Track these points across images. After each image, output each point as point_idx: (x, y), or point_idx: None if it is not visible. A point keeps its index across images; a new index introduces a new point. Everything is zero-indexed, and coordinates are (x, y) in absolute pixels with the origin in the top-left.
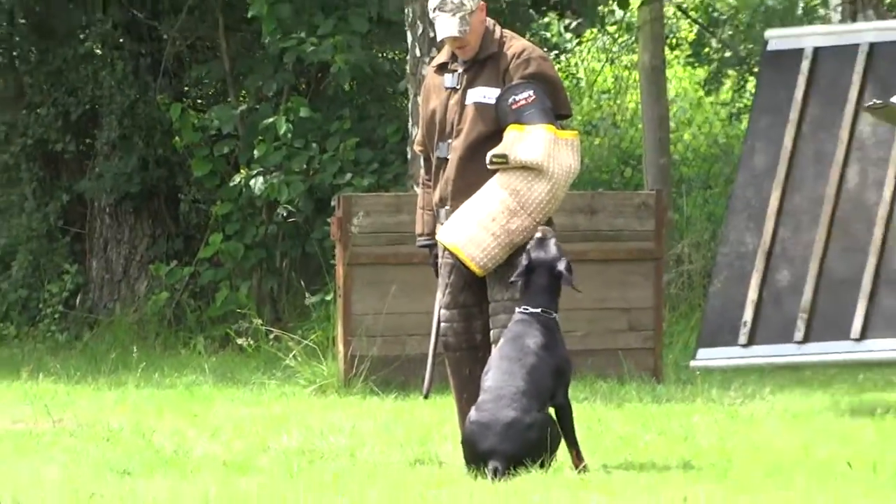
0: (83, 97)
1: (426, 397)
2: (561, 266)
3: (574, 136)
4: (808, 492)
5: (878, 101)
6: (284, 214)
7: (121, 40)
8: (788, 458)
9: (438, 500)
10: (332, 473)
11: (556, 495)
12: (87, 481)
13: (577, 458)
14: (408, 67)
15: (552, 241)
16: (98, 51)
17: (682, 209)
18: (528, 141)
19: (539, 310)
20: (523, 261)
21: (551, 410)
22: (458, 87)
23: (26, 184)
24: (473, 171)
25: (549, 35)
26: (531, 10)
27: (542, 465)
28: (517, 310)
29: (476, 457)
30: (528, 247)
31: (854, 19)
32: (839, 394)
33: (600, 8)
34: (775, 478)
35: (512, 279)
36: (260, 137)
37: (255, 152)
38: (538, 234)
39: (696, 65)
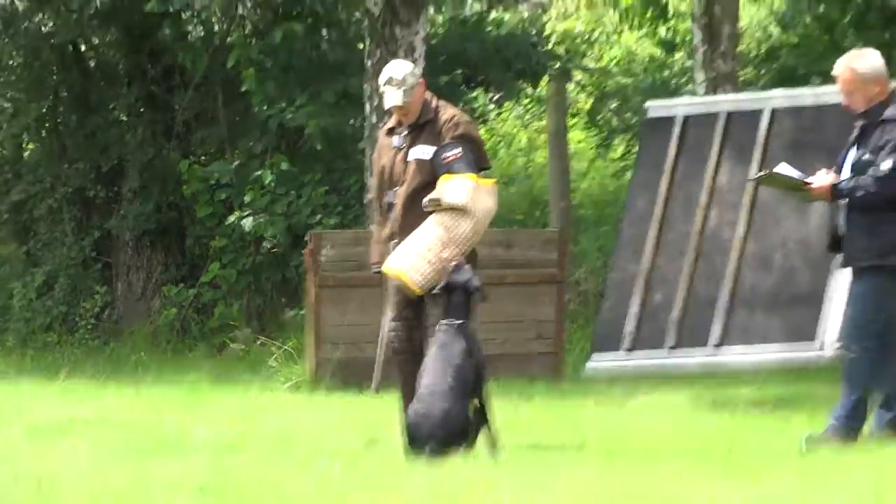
0: (112, 154)
1: (377, 392)
2: (472, 284)
3: (492, 184)
4: (677, 471)
5: (761, 173)
6: (269, 247)
7: (141, 110)
8: (662, 443)
9: (385, 479)
10: (303, 453)
11: (476, 471)
12: (106, 463)
13: (494, 440)
14: (365, 131)
15: (465, 267)
16: (124, 118)
17: (580, 243)
18: (456, 187)
19: (459, 322)
20: (441, 283)
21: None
22: (402, 146)
23: (66, 223)
24: (414, 212)
25: (476, 105)
26: (462, 87)
27: (467, 447)
28: (442, 322)
29: (416, 440)
30: (448, 272)
31: (715, 93)
32: (702, 391)
33: (516, 85)
34: (651, 457)
35: (433, 293)
36: (250, 186)
37: (246, 198)
38: (454, 264)
39: (592, 129)
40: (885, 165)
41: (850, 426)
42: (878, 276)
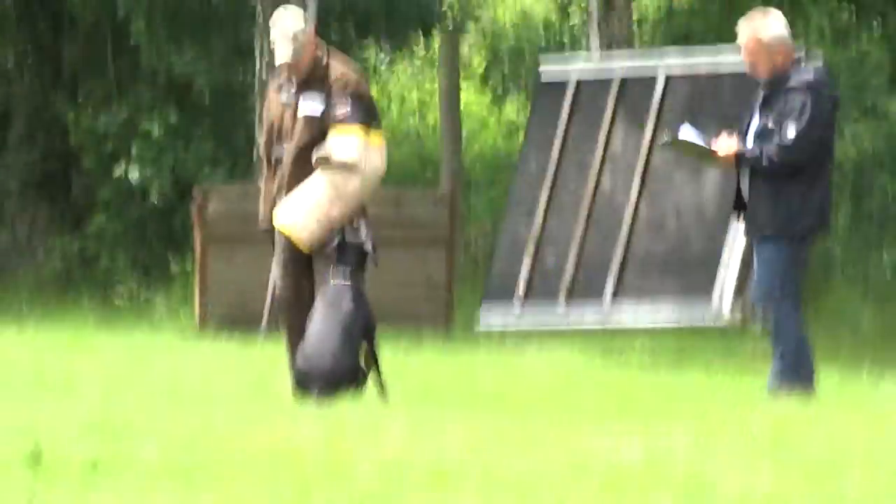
0: None
1: (264, 337)
2: (367, 246)
3: (382, 142)
4: (572, 421)
5: (667, 139)
6: (155, 200)
7: (29, 58)
8: (554, 395)
9: (273, 421)
10: (189, 401)
11: (364, 416)
12: None
13: (382, 391)
14: (255, 85)
15: (362, 226)
16: (11, 65)
17: (471, 204)
18: (345, 145)
19: (349, 280)
20: (336, 241)
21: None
22: (292, 102)
23: None
24: (303, 168)
25: (368, 61)
26: (354, 40)
27: (355, 392)
28: (332, 279)
29: (304, 384)
30: (343, 230)
31: (609, 55)
32: (594, 347)
33: (409, 41)
34: (543, 408)
35: (327, 251)
36: (138, 138)
37: (133, 150)
38: (348, 224)
39: (484, 90)
40: (790, 134)
41: (798, 375)
42: (781, 245)
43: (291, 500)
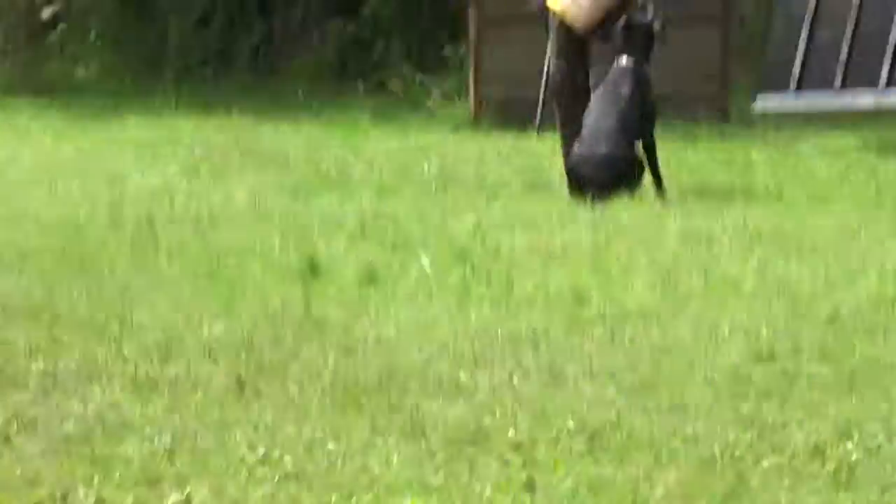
0: None
1: (539, 133)
2: (656, 26)
3: None
4: (842, 216)
5: None
6: None
7: None
8: (827, 188)
9: (548, 218)
10: (463, 196)
11: (641, 216)
12: (267, 200)
13: (659, 185)
14: None
15: (650, 6)
16: None
17: None
18: None
19: (634, 61)
20: (623, 20)
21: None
22: None
23: None
24: None
25: None
26: None
27: (631, 190)
28: (616, 61)
29: (578, 182)
30: (631, 10)
31: None
32: (868, 133)
33: None
34: (817, 204)
35: (615, 31)
36: None
37: None
38: (640, 2)
39: None
40: None
41: None
42: None
43: (566, 302)
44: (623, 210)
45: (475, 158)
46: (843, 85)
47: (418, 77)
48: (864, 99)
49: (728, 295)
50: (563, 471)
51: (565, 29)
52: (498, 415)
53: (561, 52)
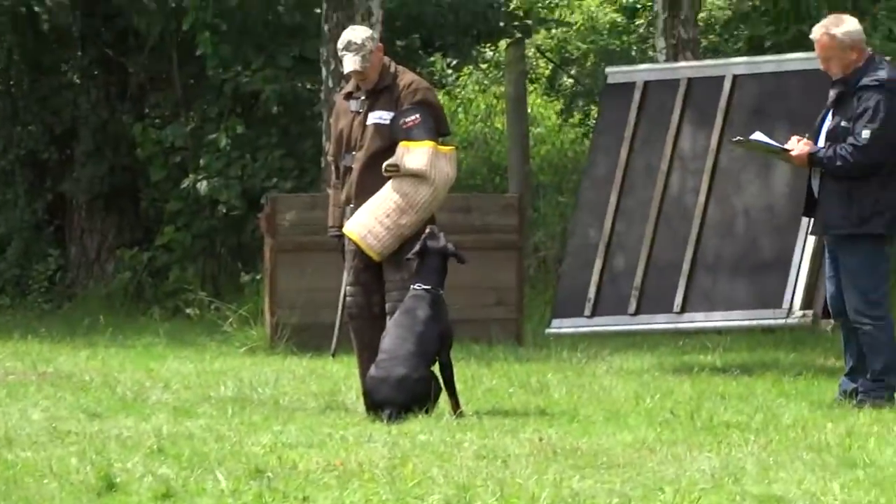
0: (65, 117)
1: (334, 356)
2: (450, 249)
3: (451, 150)
4: (638, 433)
5: (739, 138)
6: (224, 211)
7: (95, 72)
8: (623, 407)
9: (344, 438)
10: (259, 416)
11: (437, 435)
12: (64, 421)
13: (455, 405)
14: (322, 95)
15: (441, 235)
16: (77, 80)
17: (540, 209)
18: (415, 154)
19: (429, 287)
20: (418, 247)
21: (435, 368)
22: (361, 110)
23: (19, 185)
24: (372, 176)
25: (434, 70)
26: (420, 51)
27: (426, 412)
28: (412, 286)
29: (375, 404)
30: (423, 237)
31: (676, 59)
32: (664, 356)
33: (475, 49)
34: (612, 422)
35: (408, 257)
36: (205, 150)
37: (201, 161)
38: (428, 230)
39: (552, 95)
40: (865, 134)
41: (882, 390)
42: (860, 245)
43: None
44: (419, 429)
45: (272, 381)
46: (638, 310)
47: (214, 303)
48: (658, 321)
49: None
50: None
51: (361, 256)
52: None
53: (357, 279)
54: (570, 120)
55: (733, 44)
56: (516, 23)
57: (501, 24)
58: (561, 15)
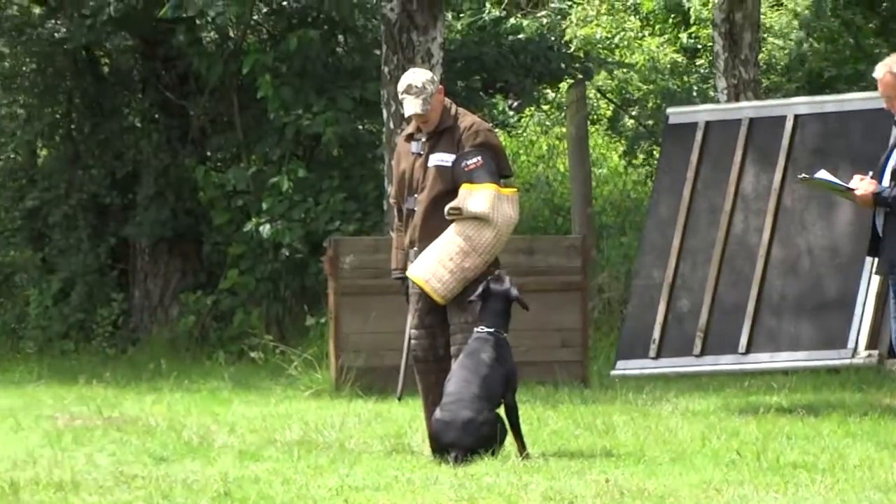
0: (127, 161)
1: (399, 399)
2: (513, 293)
3: (514, 192)
4: (705, 474)
5: (805, 175)
6: (287, 254)
7: (156, 116)
8: (689, 448)
9: (411, 481)
10: (326, 459)
11: (504, 477)
12: (130, 466)
13: (522, 448)
14: (383, 137)
15: (506, 277)
16: (139, 124)
17: (603, 250)
18: (477, 197)
19: (493, 329)
20: (481, 289)
21: (501, 410)
22: (422, 152)
23: (82, 230)
24: (435, 219)
25: (495, 112)
26: (481, 93)
27: (493, 454)
28: (475, 329)
29: (440, 447)
30: (488, 280)
31: (737, 99)
32: (729, 396)
33: (536, 90)
34: (679, 463)
35: (470, 299)
36: (267, 193)
37: (264, 205)
38: (496, 273)
39: (613, 136)
40: None
41: None
42: None
43: None
44: (486, 471)
45: (337, 424)
46: (703, 352)
47: (279, 346)
48: (724, 362)
49: None
50: None
51: (425, 299)
52: None
53: (422, 322)
54: (634, 161)
55: (793, 83)
56: (577, 64)
57: (562, 65)
58: (622, 56)
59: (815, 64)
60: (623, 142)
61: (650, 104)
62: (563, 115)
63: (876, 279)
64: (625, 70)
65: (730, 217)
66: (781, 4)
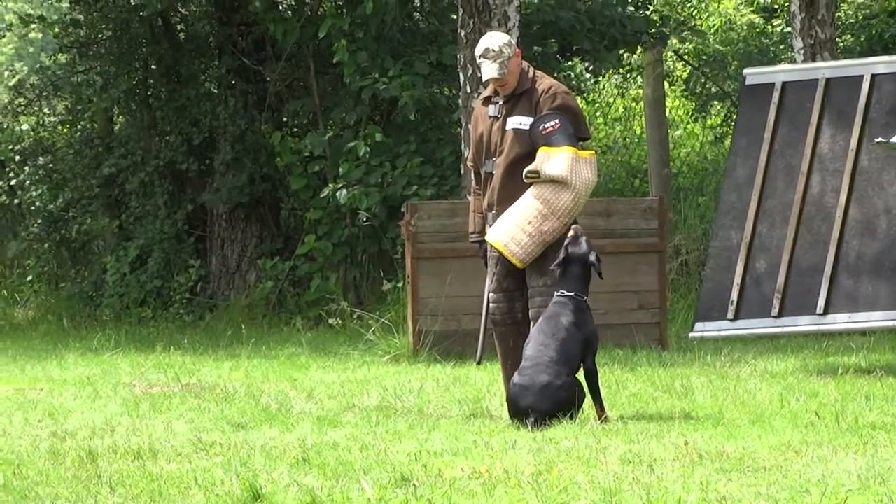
0: (203, 127)
1: (478, 364)
2: (591, 258)
3: (592, 154)
4: (784, 436)
5: (881, 139)
6: (364, 219)
7: (233, 82)
8: (768, 410)
9: (489, 445)
10: (404, 424)
11: (582, 441)
12: (208, 433)
13: (601, 411)
14: (460, 101)
15: (584, 239)
16: (215, 90)
17: (680, 212)
18: (556, 160)
19: (573, 293)
20: (561, 254)
21: (581, 374)
22: (499, 115)
23: (159, 197)
24: (513, 182)
25: (572, 75)
26: (558, 57)
27: (571, 418)
28: (555, 293)
29: (518, 412)
30: (566, 243)
31: (814, 60)
32: (808, 358)
33: (612, 53)
34: (758, 425)
35: (552, 267)
36: (344, 158)
37: (340, 170)
38: (572, 233)
39: (689, 97)
40: None
41: None
42: None
43: None
44: (564, 435)
45: (416, 389)
46: (781, 313)
47: (357, 312)
48: (802, 323)
49: None
50: None
51: (504, 262)
52: None
53: (500, 285)
54: (709, 121)
55: (866, 43)
56: (653, 29)
57: (639, 31)
58: (699, 20)
59: (883, 25)
60: (696, 102)
61: (727, 66)
62: (639, 77)
63: None
64: (698, 38)
65: (807, 178)
66: None
